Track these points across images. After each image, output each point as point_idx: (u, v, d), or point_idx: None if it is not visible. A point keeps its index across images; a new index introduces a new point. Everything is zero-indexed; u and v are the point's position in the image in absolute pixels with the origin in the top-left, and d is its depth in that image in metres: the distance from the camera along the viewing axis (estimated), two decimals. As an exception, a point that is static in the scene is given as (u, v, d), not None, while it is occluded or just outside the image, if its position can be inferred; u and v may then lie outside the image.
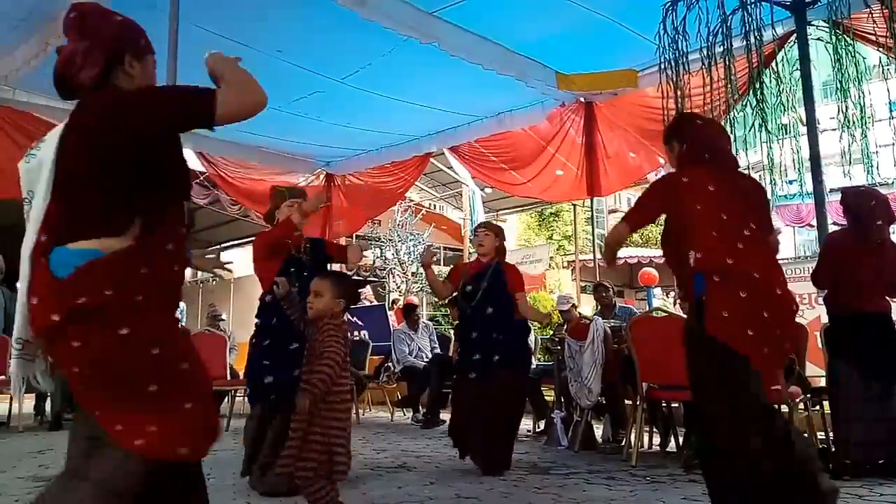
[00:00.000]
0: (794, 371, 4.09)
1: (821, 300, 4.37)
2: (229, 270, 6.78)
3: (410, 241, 14.44)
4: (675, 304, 8.25)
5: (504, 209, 13.89)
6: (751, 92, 4.40)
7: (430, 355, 7.44)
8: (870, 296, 3.79)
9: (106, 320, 1.57)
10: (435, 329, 8.26)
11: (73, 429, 1.86)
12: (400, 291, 14.30)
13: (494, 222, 5.62)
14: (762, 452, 2.36)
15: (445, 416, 5.93)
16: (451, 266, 4.59)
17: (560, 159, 6.96)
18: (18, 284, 1.72)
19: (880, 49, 4.40)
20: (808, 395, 4.11)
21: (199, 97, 1.64)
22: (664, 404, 4.91)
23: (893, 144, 4.45)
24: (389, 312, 10.53)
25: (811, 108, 4.51)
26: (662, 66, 4.39)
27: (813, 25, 4.53)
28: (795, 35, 4.60)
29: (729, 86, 4.31)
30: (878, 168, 4.46)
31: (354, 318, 8.44)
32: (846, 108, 4.32)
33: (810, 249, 13.40)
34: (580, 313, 6.46)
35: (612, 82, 5.83)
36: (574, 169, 6.86)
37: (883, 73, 4.42)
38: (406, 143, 7.57)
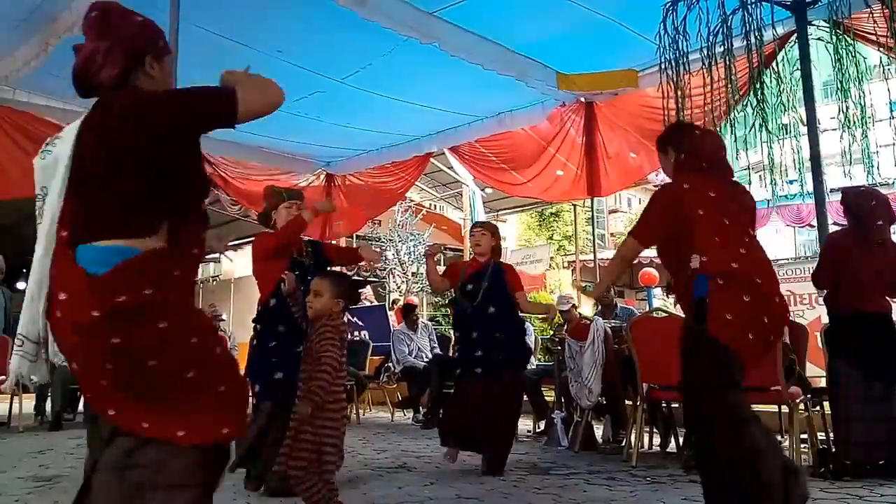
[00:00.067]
0: (795, 371, 4.08)
1: (821, 300, 4.36)
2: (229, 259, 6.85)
3: (411, 241, 14.45)
4: (675, 305, 8.24)
5: (504, 209, 13.90)
6: (751, 92, 4.40)
7: (429, 355, 7.44)
8: (870, 296, 3.79)
9: (146, 317, 1.61)
10: (434, 329, 8.25)
11: (99, 448, 1.74)
12: (400, 292, 14.30)
13: (490, 221, 5.63)
14: (759, 453, 2.40)
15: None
16: (449, 264, 4.58)
17: (560, 159, 6.95)
18: (28, 283, 1.70)
19: (881, 49, 4.40)
20: (809, 396, 4.10)
21: (221, 96, 1.68)
22: (664, 405, 4.91)
23: (894, 144, 4.44)
24: (390, 313, 10.52)
25: (812, 108, 4.51)
26: (663, 66, 4.39)
27: (813, 25, 4.53)
28: (796, 35, 4.60)
29: (729, 86, 4.31)
30: (878, 168, 4.46)
31: (355, 319, 8.44)
32: (847, 108, 4.32)
33: (810, 249, 13.41)
34: (580, 313, 6.46)
35: (613, 82, 5.83)
36: (574, 169, 6.85)
37: (883, 72, 4.41)
38: (406, 144, 7.57)
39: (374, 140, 7.55)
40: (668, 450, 4.94)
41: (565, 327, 5.91)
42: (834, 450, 3.88)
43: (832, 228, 4.56)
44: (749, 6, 4.08)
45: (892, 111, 4.15)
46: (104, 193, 1.63)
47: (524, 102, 6.43)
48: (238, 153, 7.45)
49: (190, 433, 1.62)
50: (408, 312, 7.98)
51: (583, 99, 6.48)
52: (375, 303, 11.95)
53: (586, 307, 10.72)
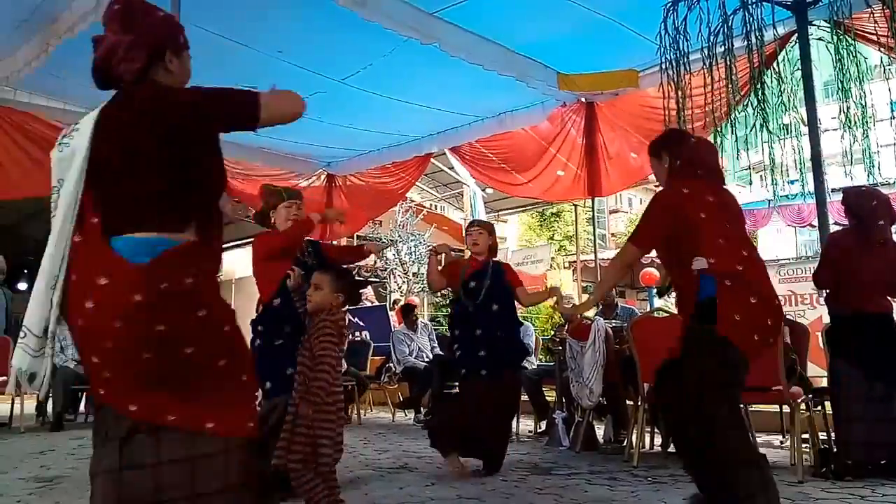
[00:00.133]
0: (796, 371, 4.07)
1: (822, 300, 4.36)
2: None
3: (411, 241, 14.45)
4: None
5: (505, 209, 13.89)
6: (752, 92, 4.40)
7: (430, 355, 7.44)
8: (871, 296, 3.79)
9: (188, 305, 1.66)
10: (434, 329, 8.24)
11: (106, 448, 1.68)
12: (401, 292, 14.30)
13: (486, 220, 5.62)
14: (758, 455, 2.45)
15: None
16: (447, 262, 4.56)
17: (561, 159, 6.95)
18: (38, 275, 1.67)
19: (881, 49, 4.40)
20: (810, 396, 4.10)
21: (245, 97, 1.71)
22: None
23: (895, 144, 4.44)
24: (391, 313, 10.52)
25: (812, 108, 4.51)
26: (663, 67, 4.39)
27: (814, 25, 4.52)
28: (797, 35, 4.59)
29: (730, 86, 4.31)
30: (879, 168, 4.46)
31: (356, 319, 8.43)
32: (847, 107, 4.32)
33: (811, 250, 13.39)
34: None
35: (613, 82, 5.83)
36: (575, 169, 6.85)
37: (884, 72, 4.41)
38: (407, 144, 7.57)
39: (374, 140, 7.56)
40: (669, 450, 4.93)
41: (566, 327, 5.90)
42: (835, 450, 3.87)
43: (833, 228, 4.55)
44: (750, 6, 4.08)
45: (892, 111, 4.14)
46: (128, 186, 1.65)
47: (525, 103, 6.44)
48: (239, 153, 7.44)
49: (219, 425, 1.64)
50: (407, 313, 7.98)
51: (583, 99, 6.47)
52: (376, 303, 11.94)
53: (587, 307, 10.68)
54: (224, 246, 1.86)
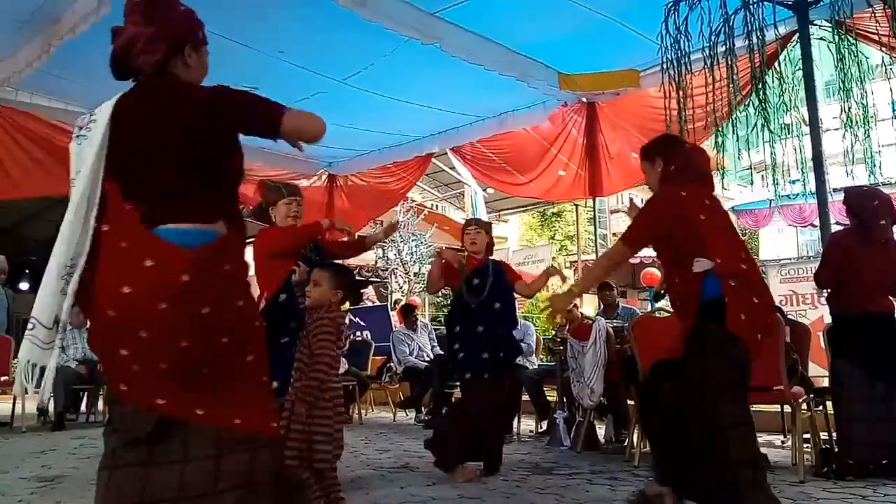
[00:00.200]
0: (797, 371, 4.07)
1: (823, 300, 4.36)
2: None
3: (413, 241, 14.45)
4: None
5: (506, 209, 13.91)
6: (753, 92, 4.40)
7: (430, 354, 7.44)
8: (872, 295, 3.78)
9: (230, 292, 1.70)
10: (434, 329, 8.24)
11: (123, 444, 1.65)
12: (402, 291, 14.30)
13: (482, 219, 5.61)
14: (759, 455, 2.48)
15: (448, 416, 5.93)
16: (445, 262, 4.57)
17: (562, 159, 6.95)
18: (49, 265, 1.64)
19: (883, 49, 4.40)
20: (811, 396, 4.09)
21: (271, 106, 1.74)
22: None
23: (896, 144, 4.44)
24: (392, 312, 10.52)
25: (814, 108, 4.50)
26: (664, 66, 4.39)
27: (815, 25, 4.52)
28: (798, 35, 4.59)
29: (731, 85, 4.31)
30: (880, 168, 4.46)
31: (357, 319, 8.44)
32: (849, 107, 4.31)
33: (813, 249, 13.38)
34: (582, 313, 6.45)
35: (615, 82, 5.82)
36: (576, 169, 6.84)
37: (886, 72, 4.40)
38: (408, 144, 7.57)
39: (375, 140, 7.55)
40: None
41: (567, 327, 5.90)
42: (837, 450, 3.87)
43: (835, 228, 4.55)
44: (751, 6, 4.08)
45: (894, 111, 4.15)
46: (160, 178, 1.66)
47: (526, 103, 6.43)
48: (240, 154, 7.45)
49: (246, 422, 1.65)
50: (407, 313, 7.97)
51: (584, 99, 6.47)
52: (378, 303, 11.95)
53: (588, 307, 10.72)
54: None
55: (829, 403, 4.19)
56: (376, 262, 14.97)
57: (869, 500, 3.20)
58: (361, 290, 10.66)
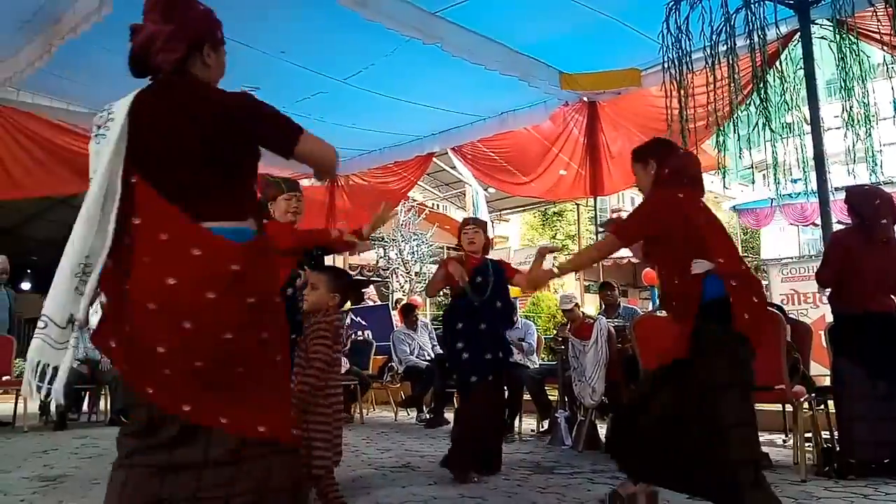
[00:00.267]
0: (799, 370, 4.07)
1: (825, 299, 4.35)
2: None
3: (414, 240, 14.45)
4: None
5: (507, 209, 13.90)
6: (755, 91, 4.40)
7: (431, 353, 7.44)
8: (874, 295, 3.78)
9: (271, 286, 1.75)
10: (435, 329, 8.24)
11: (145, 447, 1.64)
12: (403, 291, 14.30)
13: (479, 218, 5.61)
14: (761, 455, 2.46)
15: (449, 415, 5.94)
16: (443, 262, 4.57)
17: (563, 159, 6.95)
18: (62, 263, 1.59)
19: (884, 47, 4.39)
20: (813, 395, 4.09)
21: (289, 124, 1.77)
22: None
23: (897, 143, 4.44)
24: (393, 312, 10.52)
25: (815, 107, 4.50)
26: (666, 66, 4.38)
27: (817, 24, 4.52)
28: (799, 34, 4.59)
29: (732, 85, 4.30)
30: (882, 167, 4.45)
31: (358, 318, 8.43)
32: (850, 106, 4.31)
33: (814, 248, 13.35)
34: (583, 313, 6.45)
35: (616, 82, 5.82)
36: (577, 168, 6.85)
37: (887, 71, 4.39)
38: (409, 144, 7.57)
39: (376, 140, 7.56)
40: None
41: (568, 326, 5.90)
42: (838, 449, 3.87)
43: (836, 227, 4.54)
44: (752, 5, 4.08)
45: (895, 109, 4.14)
46: (192, 173, 1.67)
47: (527, 102, 6.43)
48: (241, 153, 7.46)
49: (269, 430, 1.65)
50: (407, 312, 7.97)
51: (585, 98, 6.47)
52: (379, 302, 11.95)
53: (590, 307, 10.71)
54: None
55: (830, 402, 4.18)
56: (377, 262, 14.97)
57: (871, 499, 3.19)
58: (363, 290, 10.68)
